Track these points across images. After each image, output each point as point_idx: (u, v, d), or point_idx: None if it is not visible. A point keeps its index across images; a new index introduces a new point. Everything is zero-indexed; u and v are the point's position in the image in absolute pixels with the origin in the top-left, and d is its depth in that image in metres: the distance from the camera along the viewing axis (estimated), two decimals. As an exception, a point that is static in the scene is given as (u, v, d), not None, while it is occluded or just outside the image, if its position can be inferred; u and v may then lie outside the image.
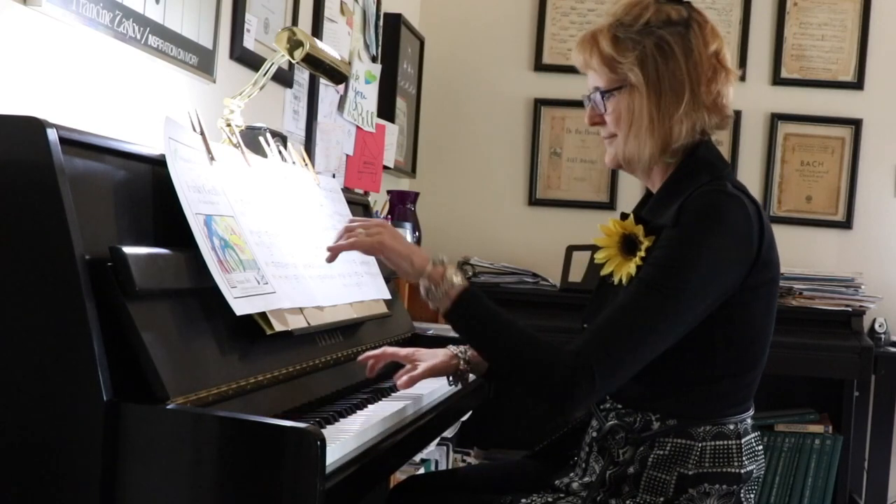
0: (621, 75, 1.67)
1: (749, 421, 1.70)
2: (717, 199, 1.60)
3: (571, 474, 1.76)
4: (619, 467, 1.66)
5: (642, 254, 1.63)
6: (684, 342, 1.59)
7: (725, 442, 1.64)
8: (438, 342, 2.34)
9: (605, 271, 1.71)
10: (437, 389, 2.02)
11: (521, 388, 1.64)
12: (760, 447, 1.72)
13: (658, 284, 1.56)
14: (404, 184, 4.04)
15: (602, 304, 1.68)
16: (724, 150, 4.06)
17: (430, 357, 1.90)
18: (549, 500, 1.71)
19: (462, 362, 1.91)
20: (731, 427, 1.65)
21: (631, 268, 1.64)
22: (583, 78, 1.77)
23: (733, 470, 1.64)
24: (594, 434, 1.73)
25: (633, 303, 1.57)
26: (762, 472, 1.72)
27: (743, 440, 1.66)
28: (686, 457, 1.62)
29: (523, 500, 1.72)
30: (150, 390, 1.27)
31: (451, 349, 1.93)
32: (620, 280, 1.66)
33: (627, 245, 1.68)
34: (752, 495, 1.71)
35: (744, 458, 1.65)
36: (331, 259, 1.71)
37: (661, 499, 1.62)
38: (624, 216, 1.73)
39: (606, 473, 1.66)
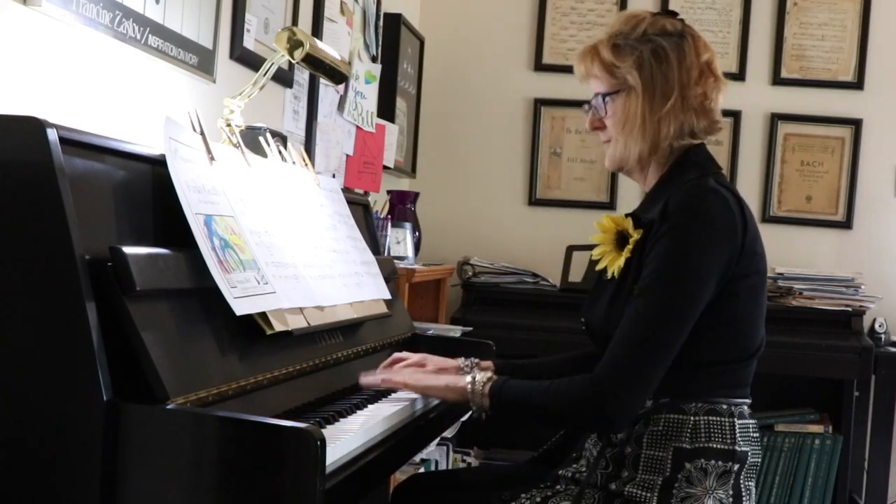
0: (620, 79, 1.76)
1: (746, 409, 1.73)
2: (697, 193, 1.68)
3: (575, 465, 1.78)
4: (615, 448, 1.69)
5: (630, 246, 1.70)
6: None
7: (718, 418, 1.67)
8: (438, 342, 2.34)
9: (599, 266, 1.78)
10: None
11: (570, 429, 1.89)
12: (757, 435, 1.75)
13: (658, 294, 1.62)
14: (404, 184, 4.04)
15: (598, 300, 1.76)
16: (725, 150, 4.06)
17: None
18: (549, 494, 1.73)
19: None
20: (724, 406, 1.69)
21: (621, 261, 1.71)
22: None
23: (727, 447, 1.67)
24: None
25: (638, 317, 1.62)
26: (759, 460, 1.75)
27: (738, 421, 1.69)
28: (680, 431, 1.66)
29: (523, 495, 1.74)
30: (150, 390, 1.27)
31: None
32: (613, 274, 1.73)
33: (621, 240, 1.75)
34: (751, 483, 1.72)
35: (738, 437, 1.68)
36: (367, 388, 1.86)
37: (660, 478, 1.65)
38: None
39: (605, 453, 1.69)
